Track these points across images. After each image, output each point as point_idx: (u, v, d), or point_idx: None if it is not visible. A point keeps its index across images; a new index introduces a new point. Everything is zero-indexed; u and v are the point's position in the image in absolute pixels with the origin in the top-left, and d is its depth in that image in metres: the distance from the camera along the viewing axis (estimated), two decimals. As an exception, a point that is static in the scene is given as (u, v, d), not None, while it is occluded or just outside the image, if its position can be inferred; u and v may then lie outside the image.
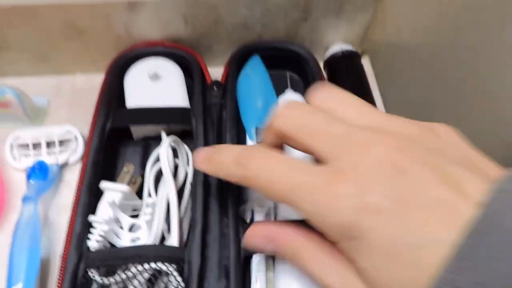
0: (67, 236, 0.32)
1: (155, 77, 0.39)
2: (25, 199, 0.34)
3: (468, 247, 0.16)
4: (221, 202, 0.34)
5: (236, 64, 0.41)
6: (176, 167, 0.36)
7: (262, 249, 0.25)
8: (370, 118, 0.22)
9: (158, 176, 0.36)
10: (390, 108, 0.43)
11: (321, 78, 0.40)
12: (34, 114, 0.41)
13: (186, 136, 0.38)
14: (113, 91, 0.39)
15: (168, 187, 0.33)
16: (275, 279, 0.30)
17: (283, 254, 0.23)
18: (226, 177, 0.24)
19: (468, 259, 0.16)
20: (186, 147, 0.37)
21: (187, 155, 0.37)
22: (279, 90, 0.41)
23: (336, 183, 0.19)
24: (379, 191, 0.18)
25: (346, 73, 0.41)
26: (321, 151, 0.20)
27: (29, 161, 0.37)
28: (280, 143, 0.24)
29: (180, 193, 0.35)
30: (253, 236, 0.24)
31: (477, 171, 0.19)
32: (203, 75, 0.40)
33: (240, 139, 0.37)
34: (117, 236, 0.32)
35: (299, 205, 0.20)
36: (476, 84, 0.55)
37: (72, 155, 0.39)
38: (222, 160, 0.24)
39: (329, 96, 0.23)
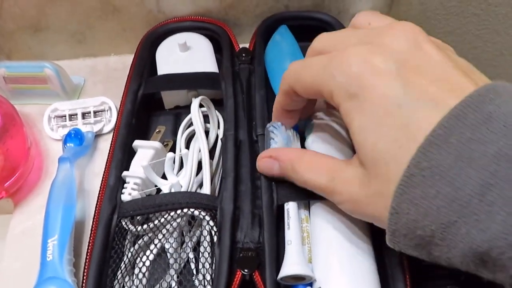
0: (101, 189, 0.32)
1: (185, 48, 0.40)
2: (61, 160, 0.35)
3: (458, 115, 0.18)
4: (252, 157, 0.33)
5: (263, 33, 0.41)
6: (207, 133, 0.37)
7: (271, 169, 0.29)
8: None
9: (189, 141, 0.37)
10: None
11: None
12: (71, 91, 0.42)
13: (216, 105, 0.38)
14: (145, 63, 0.40)
15: (199, 141, 0.33)
16: (310, 229, 0.29)
17: (285, 170, 0.27)
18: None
19: (457, 126, 0.18)
20: (217, 112, 0.38)
21: (217, 118, 0.37)
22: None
23: (350, 49, 0.22)
24: (388, 55, 0.21)
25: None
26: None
27: (65, 131, 0.38)
28: None
29: (211, 154, 0.34)
30: (261, 158, 0.29)
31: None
32: (231, 42, 0.41)
33: (269, 99, 0.37)
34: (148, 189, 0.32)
35: (318, 84, 0.23)
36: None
37: (106, 125, 0.40)
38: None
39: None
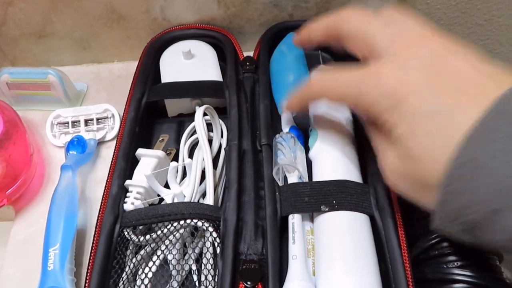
0: (103, 198, 0.32)
1: (189, 55, 0.40)
2: (64, 167, 0.35)
3: (490, 117, 0.19)
4: (255, 167, 0.33)
5: (268, 42, 0.41)
6: (210, 141, 0.36)
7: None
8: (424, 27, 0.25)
9: (192, 149, 0.36)
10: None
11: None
12: (74, 97, 0.42)
13: (219, 113, 0.38)
14: (149, 70, 0.40)
15: (203, 150, 0.33)
16: (315, 242, 0.29)
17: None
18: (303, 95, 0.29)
19: (490, 126, 0.19)
20: (220, 121, 0.37)
21: (221, 127, 0.37)
22: (311, 69, 0.41)
23: (384, 66, 0.23)
24: (420, 69, 0.22)
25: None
26: (379, 45, 0.24)
27: (68, 138, 0.38)
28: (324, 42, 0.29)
29: (214, 163, 0.34)
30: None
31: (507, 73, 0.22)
32: (235, 51, 0.40)
33: (273, 108, 0.37)
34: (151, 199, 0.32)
35: (352, 96, 0.25)
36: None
37: (109, 132, 0.40)
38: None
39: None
